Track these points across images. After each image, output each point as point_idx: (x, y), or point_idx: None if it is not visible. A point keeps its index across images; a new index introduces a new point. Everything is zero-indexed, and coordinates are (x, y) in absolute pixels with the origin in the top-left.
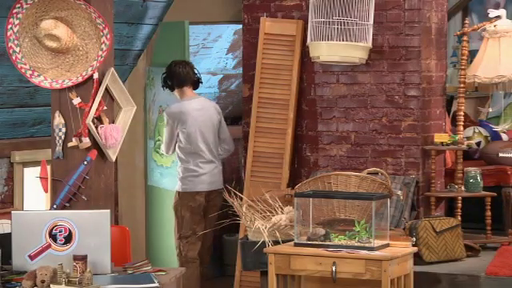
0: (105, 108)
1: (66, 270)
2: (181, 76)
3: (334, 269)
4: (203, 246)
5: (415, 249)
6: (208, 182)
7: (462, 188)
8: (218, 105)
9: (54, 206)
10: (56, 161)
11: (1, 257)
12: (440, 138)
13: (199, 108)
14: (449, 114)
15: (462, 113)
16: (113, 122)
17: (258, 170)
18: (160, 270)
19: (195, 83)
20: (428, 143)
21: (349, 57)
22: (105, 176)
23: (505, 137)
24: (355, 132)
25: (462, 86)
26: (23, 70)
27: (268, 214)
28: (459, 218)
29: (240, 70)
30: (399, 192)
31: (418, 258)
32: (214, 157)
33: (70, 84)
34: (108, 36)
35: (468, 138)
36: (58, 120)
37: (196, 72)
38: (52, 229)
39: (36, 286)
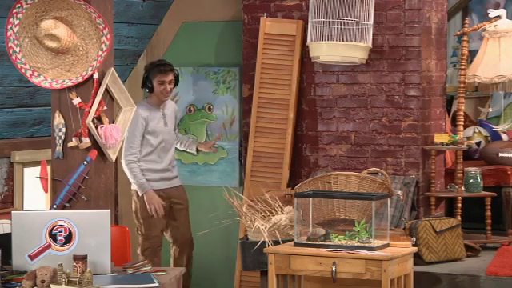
0: (105, 108)
1: (66, 270)
2: None
3: (333, 269)
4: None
5: (415, 249)
6: None
7: (462, 188)
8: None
9: (54, 206)
10: (56, 161)
11: (1, 257)
12: (440, 138)
13: None
14: (449, 114)
15: (462, 113)
16: (113, 122)
17: (258, 170)
18: (160, 270)
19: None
20: (428, 143)
21: (349, 57)
22: (105, 176)
23: (505, 137)
24: (355, 132)
25: (461, 85)
26: (23, 70)
27: (268, 214)
28: (459, 218)
29: None
30: (399, 192)
31: (417, 258)
32: None
33: (70, 84)
34: (108, 36)
35: (468, 138)
36: (58, 120)
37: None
38: (52, 229)
39: (36, 285)
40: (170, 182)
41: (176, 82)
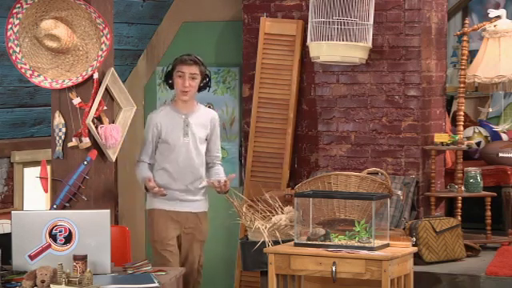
0: (105, 108)
1: (66, 270)
2: None
3: (333, 269)
4: None
5: (415, 249)
6: None
7: (462, 188)
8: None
9: (54, 206)
10: (56, 161)
11: (1, 257)
12: (440, 137)
13: None
14: (449, 114)
15: (462, 113)
16: (113, 122)
17: (258, 170)
18: (160, 270)
19: None
20: (428, 143)
21: (349, 57)
22: (105, 176)
23: (505, 137)
24: (355, 132)
25: (461, 85)
26: (23, 70)
27: (268, 213)
28: (459, 218)
29: None
30: (399, 192)
31: (417, 258)
32: None
33: (70, 84)
34: (108, 36)
35: (468, 138)
36: (58, 120)
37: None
38: (52, 229)
39: (36, 285)
40: (188, 204)
41: (205, 82)
